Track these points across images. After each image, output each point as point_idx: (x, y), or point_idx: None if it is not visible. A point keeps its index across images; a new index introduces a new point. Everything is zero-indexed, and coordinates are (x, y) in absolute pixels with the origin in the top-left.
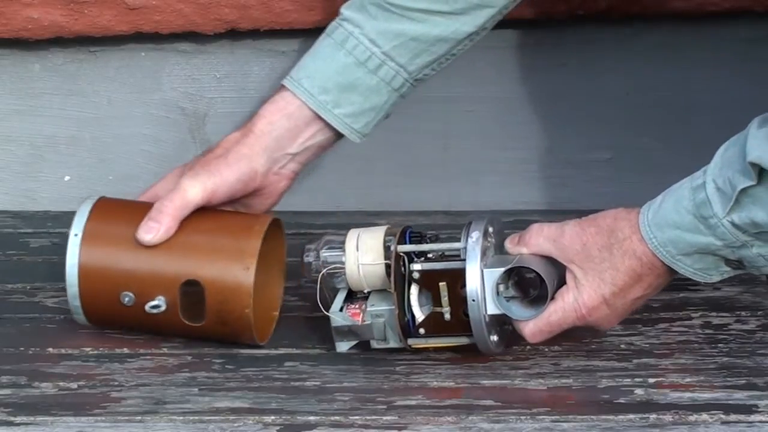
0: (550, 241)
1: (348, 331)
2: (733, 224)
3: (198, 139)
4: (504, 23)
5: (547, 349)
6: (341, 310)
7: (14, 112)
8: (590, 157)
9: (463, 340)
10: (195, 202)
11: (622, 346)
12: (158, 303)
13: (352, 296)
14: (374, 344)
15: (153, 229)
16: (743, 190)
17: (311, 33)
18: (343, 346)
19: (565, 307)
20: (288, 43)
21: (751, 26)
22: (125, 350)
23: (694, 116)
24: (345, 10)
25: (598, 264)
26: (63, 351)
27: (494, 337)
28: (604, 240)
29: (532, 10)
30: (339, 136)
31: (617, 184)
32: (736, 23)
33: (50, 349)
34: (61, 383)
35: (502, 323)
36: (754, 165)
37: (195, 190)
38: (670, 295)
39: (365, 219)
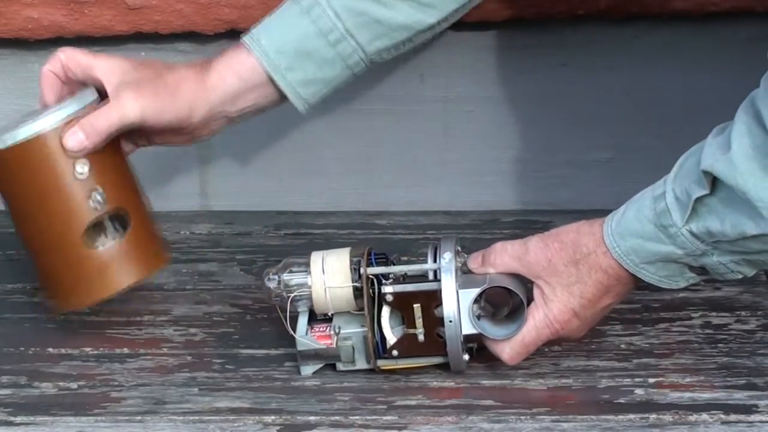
0: (516, 259)
1: (314, 355)
2: (692, 233)
3: None
4: (503, 24)
5: (547, 349)
6: (306, 333)
7: (14, 112)
8: (590, 157)
9: (433, 360)
10: (130, 123)
11: (622, 346)
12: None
13: (313, 319)
14: (340, 366)
15: (80, 143)
16: (699, 200)
17: None
18: (307, 370)
19: (537, 325)
20: None
21: (751, 26)
22: (125, 350)
23: (694, 116)
24: None
25: (566, 279)
26: (63, 351)
27: (466, 356)
28: (569, 255)
29: (531, 10)
30: (279, 103)
31: (617, 184)
32: (736, 23)
33: (50, 349)
34: (61, 383)
35: (469, 342)
36: (706, 173)
37: (135, 112)
38: (670, 295)
39: (365, 219)
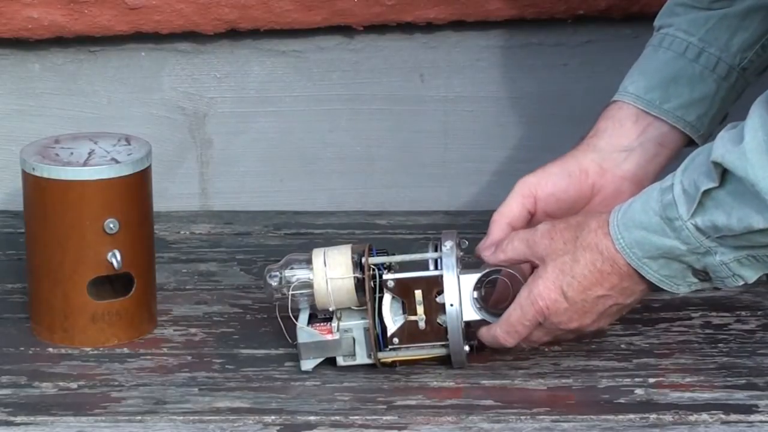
0: (523, 241)
1: (314, 348)
2: (697, 227)
3: (198, 139)
4: (504, 23)
5: (547, 349)
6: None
7: (14, 112)
8: None
9: (435, 352)
10: (514, 201)
11: (622, 346)
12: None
13: (314, 317)
14: (341, 361)
15: (485, 239)
16: (707, 193)
17: (311, 33)
18: (308, 364)
19: (521, 302)
20: (288, 43)
21: None
22: (125, 350)
23: None
24: (655, 22)
25: (561, 256)
26: (63, 351)
27: (467, 348)
28: (571, 234)
29: (532, 9)
30: (679, 136)
31: None
32: None
33: (50, 349)
34: (61, 383)
35: (470, 333)
36: (716, 165)
37: (514, 189)
38: (670, 295)
39: (365, 219)
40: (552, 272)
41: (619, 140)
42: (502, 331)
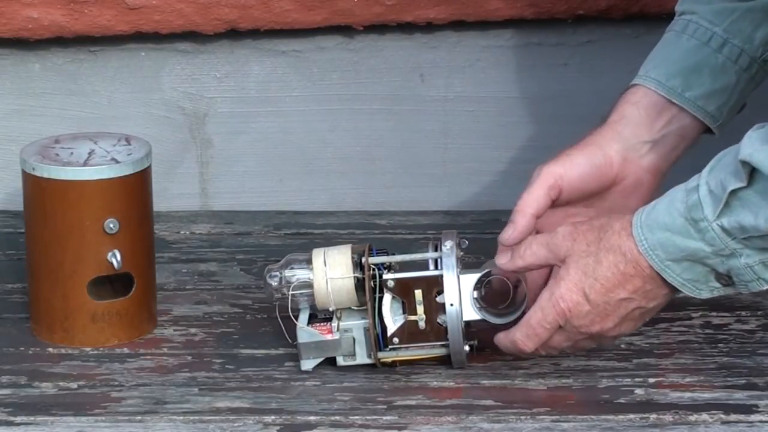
0: (543, 245)
1: (314, 348)
2: (723, 228)
3: (198, 139)
4: (504, 23)
5: None
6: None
7: (14, 112)
8: None
9: (435, 352)
10: (540, 190)
11: (622, 346)
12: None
13: (314, 317)
14: (341, 361)
15: (508, 229)
16: (733, 193)
17: (311, 33)
18: (308, 364)
19: (542, 304)
20: (288, 43)
21: None
22: (125, 350)
23: None
24: (679, 6)
25: (583, 258)
26: (63, 351)
27: (467, 348)
28: (594, 236)
29: (532, 9)
30: (699, 126)
31: None
32: None
33: (50, 349)
34: (61, 383)
35: (470, 331)
36: (744, 163)
37: (539, 179)
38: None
39: (365, 219)
40: (574, 274)
41: (644, 131)
42: (521, 335)
